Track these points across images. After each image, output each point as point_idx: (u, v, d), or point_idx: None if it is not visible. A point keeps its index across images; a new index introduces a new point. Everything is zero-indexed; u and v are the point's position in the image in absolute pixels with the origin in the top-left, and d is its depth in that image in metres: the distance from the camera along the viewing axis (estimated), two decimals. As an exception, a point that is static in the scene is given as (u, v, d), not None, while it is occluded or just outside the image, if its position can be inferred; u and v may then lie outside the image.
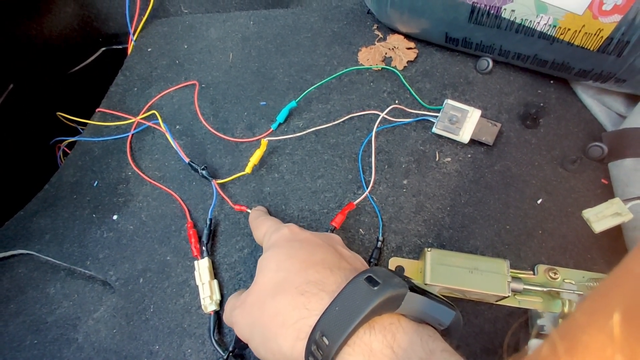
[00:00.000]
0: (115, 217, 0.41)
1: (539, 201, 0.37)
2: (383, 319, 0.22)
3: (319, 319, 0.22)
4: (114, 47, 0.55)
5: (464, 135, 0.38)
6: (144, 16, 0.51)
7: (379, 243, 0.35)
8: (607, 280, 0.15)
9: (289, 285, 0.24)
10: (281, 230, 0.29)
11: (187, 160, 0.40)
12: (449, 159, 0.39)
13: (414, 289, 0.22)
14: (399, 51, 0.45)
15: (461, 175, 0.38)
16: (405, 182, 0.38)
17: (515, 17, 0.36)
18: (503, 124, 0.40)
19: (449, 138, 0.40)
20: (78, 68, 0.54)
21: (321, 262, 0.26)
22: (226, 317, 0.30)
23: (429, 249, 0.33)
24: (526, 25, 0.36)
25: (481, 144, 0.39)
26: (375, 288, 0.21)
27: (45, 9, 0.49)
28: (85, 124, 0.48)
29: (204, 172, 0.39)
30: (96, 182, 0.43)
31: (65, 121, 0.49)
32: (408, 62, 0.44)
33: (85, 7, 0.51)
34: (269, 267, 0.26)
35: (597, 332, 0.14)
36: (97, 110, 0.48)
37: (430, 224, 0.36)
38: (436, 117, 0.40)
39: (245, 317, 0.26)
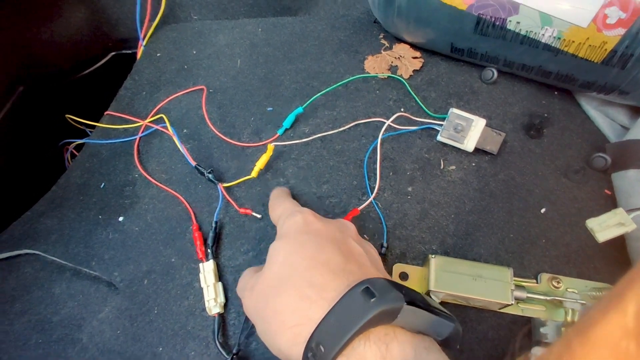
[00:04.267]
0: (121, 218, 0.41)
1: (542, 210, 0.37)
2: (379, 329, 0.23)
3: (316, 328, 0.23)
4: (124, 51, 0.56)
5: (469, 144, 0.39)
6: (154, 22, 0.52)
7: (384, 249, 0.35)
8: (622, 281, 0.16)
9: (292, 285, 0.25)
10: (294, 217, 0.29)
11: (193, 163, 0.40)
12: (453, 167, 0.40)
13: (412, 302, 0.22)
14: (405, 60, 0.45)
15: (465, 184, 0.39)
16: (410, 189, 0.39)
17: (520, 29, 0.37)
18: (507, 134, 0.41)
19: (453, 146, 0.40)
20: (87, 72, 0.55)
21: (326, 264, 0.26)
22: (238, 290, 0.31)
23: (433, 256, 0.33)
24: (531, 37, 0.37)
25: (485, 153, 0.40)
26: (371, 301, 0.22)
27: (57, 14, 0.50)
28: (93, 127, 0.48)
29: (210, 175, 0.40)
30: (103, 184, 0.44)
31: (74, 124, 0.49)
32: (414, 71, 0.45)
33: (96, 13, 0.52)
34: (277, 260, 0.27)
35: (611, 326, 0.14)
36: (106, 113, 0.48)
37: (435, 231, 0.37)
38: (441, 125, 0.40)
39: (252, 302, 0.27)
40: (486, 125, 0.39)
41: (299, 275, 0.25)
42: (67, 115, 0.50)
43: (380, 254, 0.35)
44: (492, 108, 0.43)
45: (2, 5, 0.45)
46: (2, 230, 0.43)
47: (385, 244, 0.36)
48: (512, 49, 0.39)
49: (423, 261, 0.35)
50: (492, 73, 0.43)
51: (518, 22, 0.36)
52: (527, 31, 0.37)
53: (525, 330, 0.32)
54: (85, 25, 0.52)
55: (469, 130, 0.39)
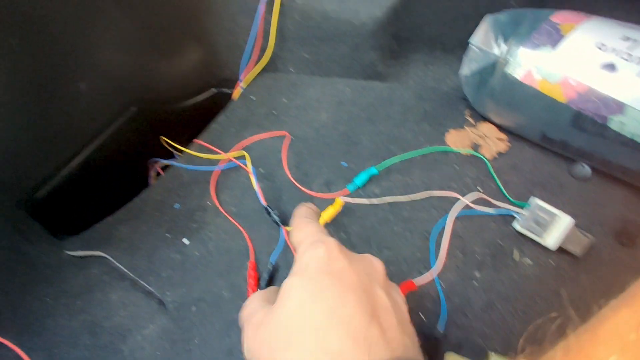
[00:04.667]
0: (186, 240, 0.43)
1: (630, 332, 0.33)
2: None
3: None
4: (223, 90, 0.62)
5: (550, 241, 0.36)
6: (255, 69, 0.57)
7: (438, 333, 0.33)
8: (637, 283, 0.16)
9: (303, 343, 0.22)
10: (317, 249, 0.26)
11: (265, 203, 0.42)
12: (529, 261, 0.37)
13: None
14: (489, 140, 0.45)
15: (540, 282, 0.36)
16: (477, 274, 0.36)
17: (624, 130, 0.35)
18: (595, 236, 0.37)
19: (531, 239, 0.37)
20: (189, 103, 0.61)
21: (346, 323, 0.22)
22: (241, 318, 0.28)
23: (494, 355, 0.30)
24: (635, 140, 0.34)
25: (567, 252, 0.37)
26: None
27: (178, 52, 0.58)
28: (181, 152, 0.53)
29: (276, 217, 0.41)
30: (178, 205, 0.47)
31: (166, 145, 0.54)
32: (498, 152, 0.44)
33: (209, 55, 0.58)
34: (290, 302, 0.24)
35: (622, 321, 0.14)
36: (195, 141, 0.53)
37: (498, 326, 0.34)
38: (521, 214, 0.38)
39: (255, 344, 0.25)
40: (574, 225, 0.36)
41: (314, 333, 0.22)
42: (161, 137, 0.55)
43: (434, 337, 0.33)
44: (579, 205, 0.40)
45: (136, 39, 0.53)
46: (86, 229, 0.47)
47: (440, 330, 0.33)
48: (611, 148, 0.37)
49: (480, 358, 0.32)
50: (584, 169, 0.40)
51: (622, 123, 0.35)
52: (631, 133, 0.34)
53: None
54: (198, 64, 0.59)
55: (552, 226, 0.36)
